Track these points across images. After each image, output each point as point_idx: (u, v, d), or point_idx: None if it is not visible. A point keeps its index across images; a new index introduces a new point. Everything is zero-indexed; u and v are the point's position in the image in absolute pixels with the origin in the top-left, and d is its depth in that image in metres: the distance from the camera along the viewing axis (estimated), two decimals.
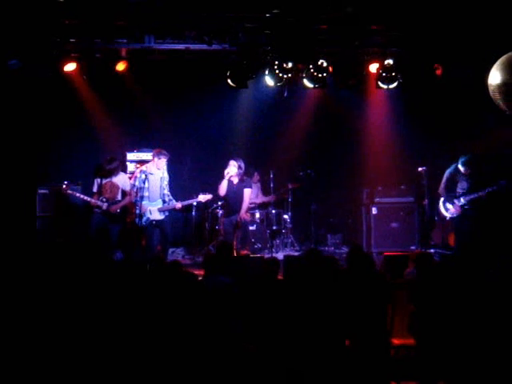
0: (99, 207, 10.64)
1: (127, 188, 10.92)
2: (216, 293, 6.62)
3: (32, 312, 6.53)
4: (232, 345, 6.33)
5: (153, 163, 10.63)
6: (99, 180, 10.73)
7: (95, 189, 10.76)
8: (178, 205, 10.74)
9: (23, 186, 11.14)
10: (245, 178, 10.99)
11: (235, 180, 10.83)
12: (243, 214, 11.00)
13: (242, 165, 10.81)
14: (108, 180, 10.82)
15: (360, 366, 6.50)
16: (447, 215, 10.97)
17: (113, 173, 10.77)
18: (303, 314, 6.54)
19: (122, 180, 10.95)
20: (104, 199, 10.67)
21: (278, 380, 6.28)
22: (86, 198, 10.68)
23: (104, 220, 10.68)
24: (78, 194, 10.77)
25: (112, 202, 10.74)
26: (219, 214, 12.14)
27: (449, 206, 10.90)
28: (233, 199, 10.89)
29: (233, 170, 10.77)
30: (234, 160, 10.82)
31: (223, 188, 10.77)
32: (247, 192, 10.94)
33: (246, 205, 10.97)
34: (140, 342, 6.25)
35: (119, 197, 10.99)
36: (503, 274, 8.11)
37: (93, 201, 10.63)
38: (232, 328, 6.49)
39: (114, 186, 10.87)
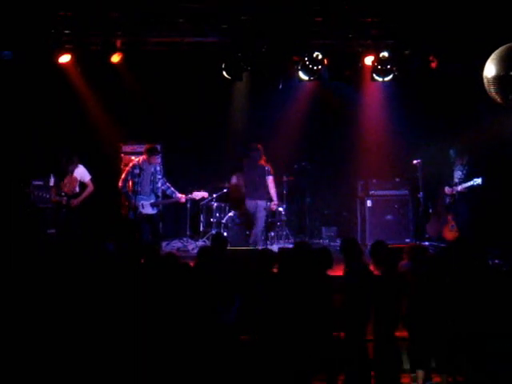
0: (59, 202, 10.48)
1: (86, 179, 10.70)
2: (209, 283, 6.65)
3: (27, 300, 6.55)
4: (225, 336, 6.36)
5: (144, 159, 10.49)
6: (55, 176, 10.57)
7: (52, 183, 10.57)
8: (183, 199, 10.68)
9: (14, 178, 11.11)
10: None
11: None
12: None
13: None
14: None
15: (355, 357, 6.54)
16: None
17: (73, 170, 10.61)
18: (296, 305, 6.57)
19: (80, 172, 10.71)
20: (63, 193, 10.46)
21: (270, 369, 6.32)
22: (46, 195, 10.54)
23: (65, 215, 10.52)
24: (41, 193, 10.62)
25: (71, 195, 10.55)
26: (214, 207, 12.17)
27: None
28: None
29: None
30: None
31: None
32: None
33: None
34: (135, 332, 6.28)
35: (77, 189, 10.71)
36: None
37: (52, 196, 10.51)
38: (225, 318, 6.52)
39: (73, 179, 10.62)
